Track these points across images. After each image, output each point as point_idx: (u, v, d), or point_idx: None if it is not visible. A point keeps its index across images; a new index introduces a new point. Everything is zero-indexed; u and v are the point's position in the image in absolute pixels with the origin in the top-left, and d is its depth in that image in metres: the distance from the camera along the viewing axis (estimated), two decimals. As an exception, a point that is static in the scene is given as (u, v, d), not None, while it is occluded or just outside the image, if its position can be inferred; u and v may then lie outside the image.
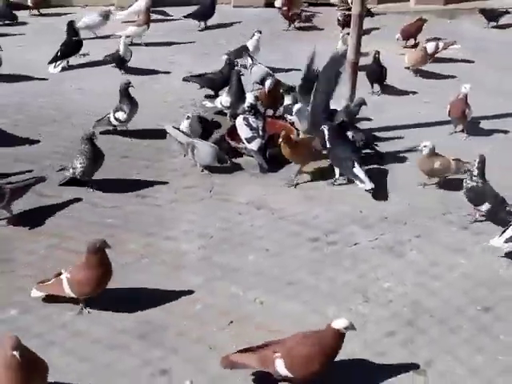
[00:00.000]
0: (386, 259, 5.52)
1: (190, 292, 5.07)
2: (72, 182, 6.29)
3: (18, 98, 8.28)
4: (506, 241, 5.39)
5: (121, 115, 7.05)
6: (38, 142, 7.24)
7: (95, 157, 6.22)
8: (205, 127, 7.11)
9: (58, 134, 7.44)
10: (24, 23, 11.07)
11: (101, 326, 4.74)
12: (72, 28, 9.28)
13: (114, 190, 6.36)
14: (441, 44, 9.46)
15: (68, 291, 4.76)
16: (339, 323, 4.10)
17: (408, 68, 8.84)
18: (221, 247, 5.62)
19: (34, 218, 5.92)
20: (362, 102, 7.15)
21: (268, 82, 7.59)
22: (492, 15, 11.21)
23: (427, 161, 6.39)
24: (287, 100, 7.42)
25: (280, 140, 6.35)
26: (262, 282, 5.21)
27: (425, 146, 6.37)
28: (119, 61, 8.94)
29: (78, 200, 6.19)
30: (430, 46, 9.33)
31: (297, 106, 7.13)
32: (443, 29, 11.01)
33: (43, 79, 8.85)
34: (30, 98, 8.29)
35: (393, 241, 5.74)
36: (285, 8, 11.07)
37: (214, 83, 8.14)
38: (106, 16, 10.36)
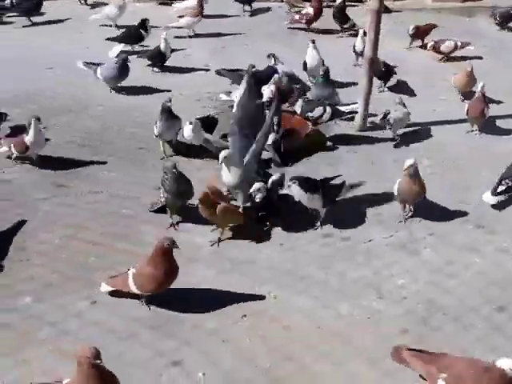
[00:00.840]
0: (400, 256, 5.51)
1: (206, 284, 5.09)
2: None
3: (35, 87, 8.33)
4: (496, 194, 6.02)
5: (154, 129, 6.84)
6: (53, 131, 7.27)
7: (178, 189, 5.68)
8: (206, 127, 6.97)
9: (73, 125, 7.47)
10: (42, 13, 11.09)
11: (115, 317, 4.76)
12: (144, 24, 9.52)
13: (132, 181, 6.38)
14: (458, 43, 9.43)
15: (132, 287, 4.76)
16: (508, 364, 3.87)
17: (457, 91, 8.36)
18: (233, 241, 5.62)
19: (50, 208, 5.94)
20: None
21: (275, 77, 7.57)
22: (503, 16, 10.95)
23: (408, 183, 5.78)
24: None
25: (198, 201, 5.49)
26: (276, 276, 5.22)
27: (410, 166, 5.72)
28: (159, 57, 8.92)
29: (95, 191, 6.21)
30: (447, 45, 9.29)
31: (223, 153, 5.75)
32: (460, 27, 10.95)
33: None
34: (46, 88, 8.33)
35: (407, 238, 5.73)
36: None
37: None
38: (122, 7, 10.42)
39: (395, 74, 8.63)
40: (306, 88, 7.92)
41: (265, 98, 6.90)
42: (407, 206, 5.98)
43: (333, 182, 5.95)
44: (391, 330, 4.72)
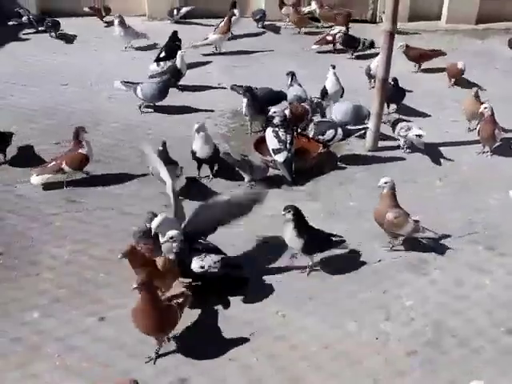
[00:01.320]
0: (409, 277, 5.49)
1: (212, 303, 5.09)
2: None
3: (50, 103, 8.42)
4: None
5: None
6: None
7: None
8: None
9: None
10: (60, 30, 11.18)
11: (123, 333, 4.77)
12: (175, 35, 9.70)
13: (142, 199, 6.41)
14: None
15: None
16: None
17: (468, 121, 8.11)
18: (245, 260, 5.59)
19: (61, 223, 5.98)
20: None
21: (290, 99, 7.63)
22: None
23: (383, 207, 5.65)
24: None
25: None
26: (284, 296, 5.21)
27: (385, 183, 5.62)
28: (175, 73, 8.90)
29: (106, 207, 6.24)
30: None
31: (158, 219, 5.23)
32: (474, 49, 10.95)
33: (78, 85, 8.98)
34: (61, 104, 8.42)
35: (416, 259, 5.70)
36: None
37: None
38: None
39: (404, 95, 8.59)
40: (317, 109, 7.90)
41: (276, 121, 6.94)
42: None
43: (333, 236, 5.57)
44: (399, 352, 4.70)
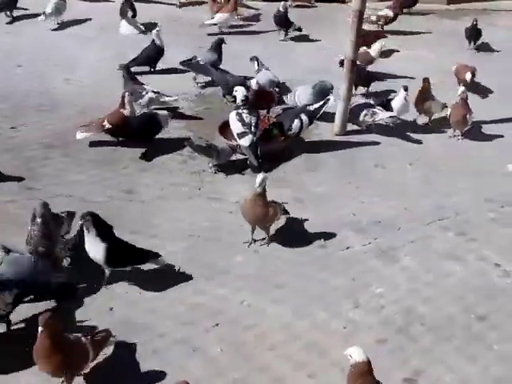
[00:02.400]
0: (379, 264, 5.53)
1: (174, 292, 5.09)
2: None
3: (2, 85, 8.32)
4: None
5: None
6: (22, 131, 7.26)
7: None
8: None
9: (43, 125, 7.48)
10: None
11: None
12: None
13: (100, 184, 6.38)
14: None
15: None
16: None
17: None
18: (208, 247, 5.62)
19: (18, 211, 5.90)
20: None
21: (253, 82, 7.63)
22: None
23: (254, 203, 5.47)
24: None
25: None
26: (250, 284, 5.22)
27: (262, 181, 5.43)
28: (157, 52, 8.90)
29: (65, 194, 6.19)
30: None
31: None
32: (446, 29, 11.09)
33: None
34: (14, 86, 8.33)
35: (386, 246, 5.75)
36: None
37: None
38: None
39: (376, 79, 8.64)
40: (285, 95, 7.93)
41: (238, 99, 6.93)
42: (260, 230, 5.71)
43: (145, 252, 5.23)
44: (368, 340, 4.73)
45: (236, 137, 6.81)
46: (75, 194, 6.22)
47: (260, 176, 5.45)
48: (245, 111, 6.85)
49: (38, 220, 4.99)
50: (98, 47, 9.65)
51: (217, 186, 6.52)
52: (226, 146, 6.76)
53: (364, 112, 7.47)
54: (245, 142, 6.73)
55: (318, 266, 5.48)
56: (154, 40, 8.87)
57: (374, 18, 10.73)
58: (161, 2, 11.70)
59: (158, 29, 8.94)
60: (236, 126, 6.82)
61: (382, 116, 7.43)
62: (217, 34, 10.02)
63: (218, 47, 8.66)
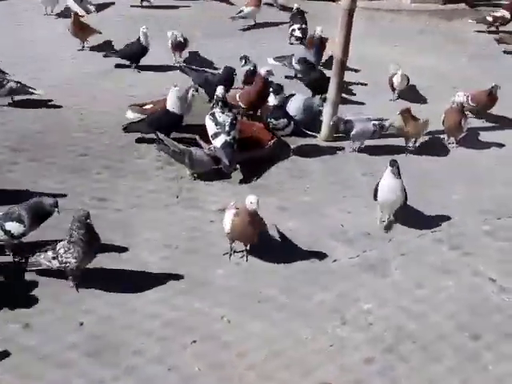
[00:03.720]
0: (368, 278, 5.55)
1: (150, 307, 5.08)
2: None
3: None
4: None
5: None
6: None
7: (90, 245, 5.14)
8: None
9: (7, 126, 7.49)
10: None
11: (49, 342, 4.71)
12: None
13: (70, 192, 6.36)
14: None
15: None
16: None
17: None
18: (187, 259, 5.62)
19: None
20: None
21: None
22: None
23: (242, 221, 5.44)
24: (273, 101, 7.46)
25: None
26: (231, 299, 5.23)
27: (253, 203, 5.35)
28: (140, 51, 9.12)
29: (28, 199, 6.13)
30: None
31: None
32: (440, 30, 11.20)
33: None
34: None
35: (375, 259, 5.78)
36: None
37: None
38: None
39: None
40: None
41: (215, 99, 7.01)
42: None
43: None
44: (355, 359, 4.75)
45: (211, 139, 6.83)
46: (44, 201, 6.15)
47: (255, 198, 5.33)
48: (218, 111, 6.90)
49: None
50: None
51: (196, 194, 6.53)
52: (204, 155, 6.68)
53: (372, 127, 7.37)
54: (217, 142, 6.73)
55: (303, 279, 5.49)
56: (139, 38, 9.04)
57: (490, 18, 10.87)
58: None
59: (144, 28, 9.07)
60: (210, 127, 6.87)
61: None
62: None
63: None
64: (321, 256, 5.77)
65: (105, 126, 7.56)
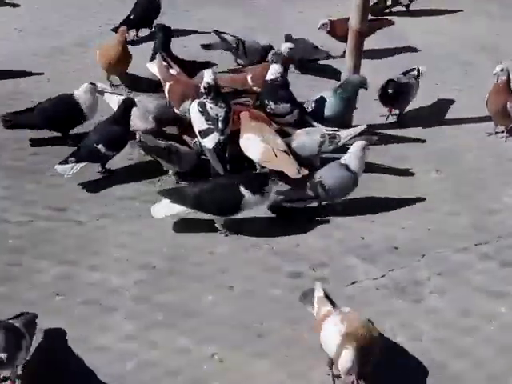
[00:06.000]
0: (396, 304, 5.48)
1: (122, 344, 5.01)
2: None
3: None
4: None
5: None
6: None
7: None
8: None
9: None
10: None
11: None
12: None
13: (18, 200, 6.34)
14: None
15: None
16: None
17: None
18: (167, 282, 5.58)
19: None
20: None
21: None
22: None
23: None
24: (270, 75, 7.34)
25: None
26: (223, 332, 5.16)
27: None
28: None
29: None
30: None
31: None
32: None
33: None
34: None
35: (405, 279, 5.73)
36: None
37: None
38: None
39: None
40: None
41: (203, 85, 6.89)
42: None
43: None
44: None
45: (197, 135, 6.77)
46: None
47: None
48: (210, 101, 6.79)
49: None
50: None
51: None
52: (188, 149, 6.74)
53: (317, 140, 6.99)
54: (208, 142, 6.65)
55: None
56: None
57: None
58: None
59: None
60: (198, 121, 6.77)
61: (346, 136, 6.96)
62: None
63: None
64: (337, 276, 5.72)
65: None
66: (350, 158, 6.38)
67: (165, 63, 7.61)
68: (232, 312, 5.34)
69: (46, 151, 7.05)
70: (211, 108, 6.74)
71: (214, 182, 6.26)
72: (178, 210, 6.06)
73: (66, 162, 6.51)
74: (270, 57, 7.62)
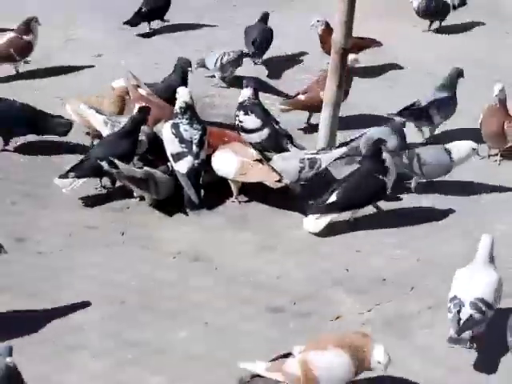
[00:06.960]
0: (384, 341, 5.44)
1: (89, 384, 5.00)
2: None
3: None
4: None
5: None
6: None
7: None
8: None
9: None
10: None
11: None
12: None
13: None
14: None
15: None
16: None
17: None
18: (136, 318, 5.59)
19: None
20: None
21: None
22: None
23: None
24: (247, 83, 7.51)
25: None
26: (198, 371, 5.16)
27: None
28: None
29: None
30: None
31: None
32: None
33: None
34: None
35: (394, 314, 5.76)
36: None
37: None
38: None
39: None
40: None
41: (177, 104, 6.95)
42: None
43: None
44: None
45: (170, 158, 6.80)
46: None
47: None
48: (185, 122, 6.84)
49: None
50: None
51: (149, 229, 6.53)
52: (166, 177, 6.74)
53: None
54: (182, 166, 6.70)
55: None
56: None
57: None
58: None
59: None
60: (171, 144, 6.82)
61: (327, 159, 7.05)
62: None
63: None
64: (319, 311, 5.75)
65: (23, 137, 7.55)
66: (456, 147, 7.00)
67: (134, 82, 7.62)
68: (207, 350, 5.35)
69: (6, 175, 7.09)
70: (185, 130, 6.78)
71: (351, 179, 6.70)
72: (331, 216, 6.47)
73: (66, 176, 6.56)
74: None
